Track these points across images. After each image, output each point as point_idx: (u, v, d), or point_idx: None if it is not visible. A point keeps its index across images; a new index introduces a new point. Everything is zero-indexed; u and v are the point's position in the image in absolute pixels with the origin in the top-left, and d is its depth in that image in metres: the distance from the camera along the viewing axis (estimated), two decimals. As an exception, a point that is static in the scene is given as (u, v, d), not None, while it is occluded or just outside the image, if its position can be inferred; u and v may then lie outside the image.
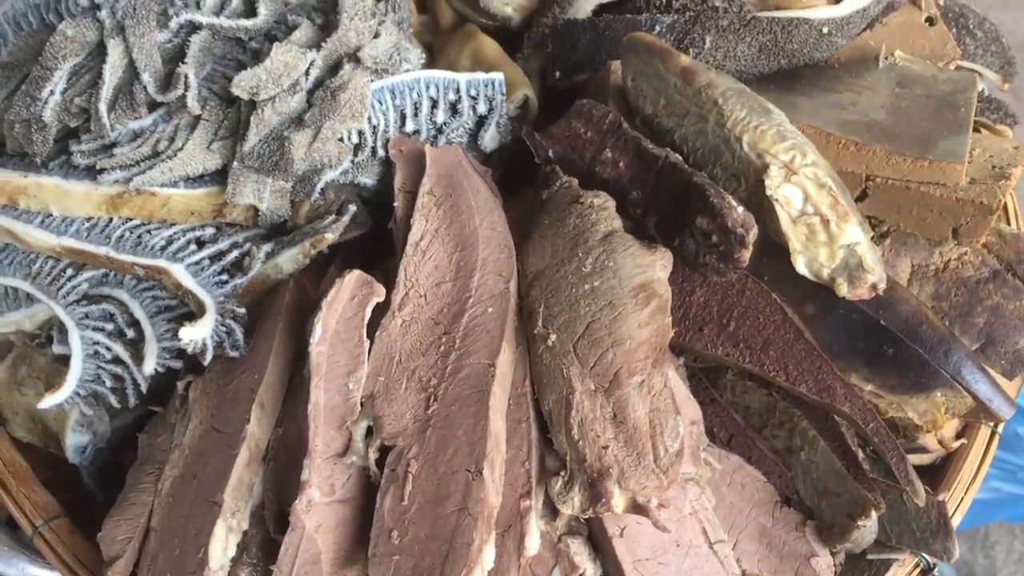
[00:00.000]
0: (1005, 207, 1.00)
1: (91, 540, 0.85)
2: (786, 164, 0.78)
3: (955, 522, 0.85)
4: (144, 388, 0.86)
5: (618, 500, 0.70)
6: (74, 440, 0.88)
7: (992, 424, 0.90)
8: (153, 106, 0.84)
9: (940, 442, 0.84)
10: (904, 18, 1.02)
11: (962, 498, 0.87)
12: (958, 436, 0.90)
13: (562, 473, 0.73)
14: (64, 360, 0.88)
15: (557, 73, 1.03)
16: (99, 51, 0.84)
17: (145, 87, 0.82)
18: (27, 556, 0.89)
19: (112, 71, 0.82)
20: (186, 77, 0.82)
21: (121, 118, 0.82)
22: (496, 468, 0.72)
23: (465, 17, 1.13)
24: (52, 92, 0.82)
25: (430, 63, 1.05)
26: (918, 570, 0.84)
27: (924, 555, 0.82)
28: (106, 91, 0.82)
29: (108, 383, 0.85)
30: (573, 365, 0.74)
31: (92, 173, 0.83)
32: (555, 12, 1.04)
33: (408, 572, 0.69)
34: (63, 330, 0.87)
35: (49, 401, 0.83)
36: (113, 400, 0.86)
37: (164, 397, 0.88)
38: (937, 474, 0.90)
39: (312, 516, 0.73)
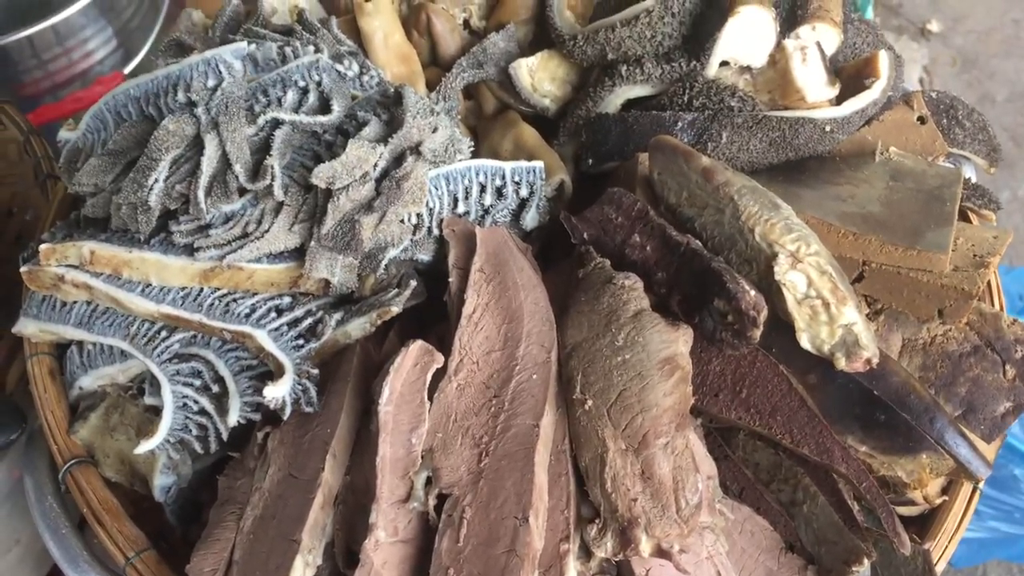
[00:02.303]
0: (989, 283, 1.11)
1: (175, 570, 0.94)
2: (792, 253, 0.88)
3: (939, 568, 0.95)
4: (225, 437, 0.96)
5: (645, 546, 0.78)
6: (161, 481, 0.98)
7: (974, 482, 1.00)
8: (243, 192, 0.95)
9: (925, 498, 0.94)
10: (899, 116, 1.13)
11: (946, 546, 0.97)
12: (943, 492, 1.00)
13: (596, 521, 0.81)
14: (154, 410, 0.98)
15: (590, 160, 1.14)
16: (196, 144, 0.95)
17: (237, 176, 0.93)
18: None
19: (208, 162, 0.93)
20: (272, 168, 0.93)
21: (216, 203, 0.93)
22: (540, 516, 0.81)
23: (506, 105, 1.25)
24: (157, 180, 0.93)
25: (476, 145, 1.17)
26: (907, 611, 0.93)
27: (911, 597, 0.92)
28: (204, 180, 0.93)
29: (194, 432, 0.96)
30: (607, 427, 0.84)
31: (189, 250, 0.94)
32: (588, 105, 1.15)
33: (462, 606, 0.77)
34: (155, 384, 0.97)
35: (144, 447, 0.94)
36: (197, 446, 0.96)
37: (239, 444, 0.97)
38: (925, 524, 0.99)
39: (379, 554, 0.81)
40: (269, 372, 0.95)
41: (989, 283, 1.11)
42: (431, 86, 1.21)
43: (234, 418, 0.94)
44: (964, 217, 1.14)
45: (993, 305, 1.08)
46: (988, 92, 3.34)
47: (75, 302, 1.00)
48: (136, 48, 2.05)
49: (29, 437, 1.08)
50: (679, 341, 0.88)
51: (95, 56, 1.95)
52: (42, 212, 1.37)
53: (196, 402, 0.96)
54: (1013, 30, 3.56)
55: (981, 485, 1.00)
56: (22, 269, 0.99)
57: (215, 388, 0.96)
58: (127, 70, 1.97)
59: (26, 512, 1.34)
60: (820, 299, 0.88)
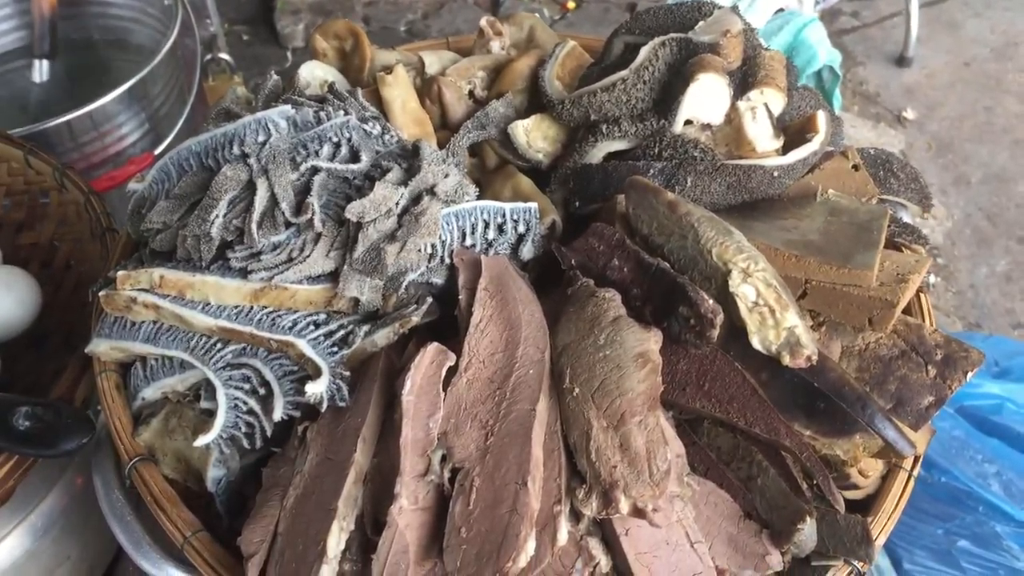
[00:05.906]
0: (920, 303, 1.28)
1: (225, 548, 1.08)
2: (744, 270, 1.02)
3: (879, 542, 1.10)
4: (269, 433, 1.10)
5: (624, 505, 0.90)
6: (214, 473, 1.11)
7: (909, 469, 1.16)
8: (288, 225, 1.12)
9: (860, 472, 1.09)
10: (836, 165, 1.30)
11: (885, 523, 1.11)
12: (883, 478, 1.16)
13: (583, 486, 0.93)
14: (209, 413, 1.12)
15: (577, 203, 1.29)
16: (249, 187, 1.13)
17: (283, 212, 1.11)
18: (172, 562, 1.13)
19: (260, 201, 1.12)
20: (312, 205, 1.11)
21: (266, 234, 1.10)
22: (536, 482, 0.93)
23: (506, 160, 1.42)
24: (217, 216, 1.11)
25: (481, 195, 1.35)
26: (852, 573, 1.06)
27: (853, 562, 1.04)
28: (256, 215, 1.10)
29: (243, 429, 1.09)
30: (591, 409, 0.97)
31: (243, 273, 1.11)
32: (575, 158, 1.31)
33: (472, 557, 0.89)
34: (210, 390, 1.12)
35: (201, 440, 1.07)
36: (245, 443, 1.10)
37: (279, 442, 1.11)
38: (868, 507, 1.13)
39: (402, 518, 0.93)
40: (308, 376, 1.10)
41: (921, 306, 1.28)
42: (441, 146, 1.37)
43: (278, 414, 1.08)
44: (898, 250, 1.32)
45: (924, 322, 1.25)
46: (963, 174, 3.49)
47: (143, 321, 1.16)
48: (166, 132, 2.20)
49: (97, 443, 1.23)
50: (650, 340, 1.03)
51: (128, 139, 2.11)
52: (97, 264, 1.53)
53: (245, 403, 1.10)
54: (985, 116, 3.74)
55: (915, 472, 1.16)
56: (100, 294, 1.16)
57: (262, 391, 1.11)
58: (157, 151, 2.11)
59: (75, 532, 1.50)
60: (767, 307, 1.02)
